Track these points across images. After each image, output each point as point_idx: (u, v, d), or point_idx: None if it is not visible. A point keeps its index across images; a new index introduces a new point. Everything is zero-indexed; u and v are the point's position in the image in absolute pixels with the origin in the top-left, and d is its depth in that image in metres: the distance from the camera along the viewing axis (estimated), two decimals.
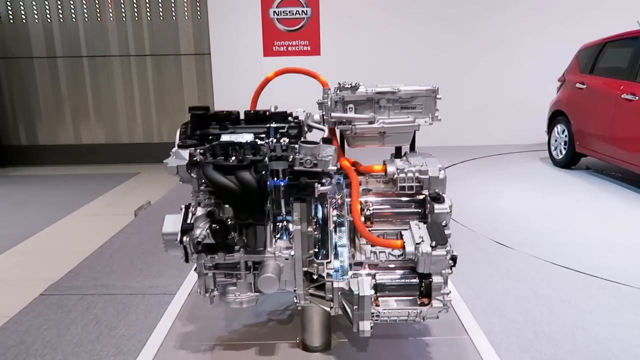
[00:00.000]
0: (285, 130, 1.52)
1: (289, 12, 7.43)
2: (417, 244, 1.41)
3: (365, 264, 1.49)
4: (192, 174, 1.45)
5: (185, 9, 7.79)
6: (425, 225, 1.48)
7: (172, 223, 1.43)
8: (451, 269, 1.42)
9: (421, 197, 1.57)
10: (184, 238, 1.41)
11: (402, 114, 1.61)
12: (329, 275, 1.48)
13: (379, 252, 1.51)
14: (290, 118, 1.57)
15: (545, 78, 7.20)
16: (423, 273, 1.44)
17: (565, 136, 5.78)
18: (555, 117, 6.03)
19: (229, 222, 1.44)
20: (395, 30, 7.40)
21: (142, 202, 4.89)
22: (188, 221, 1.42)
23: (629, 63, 4.82)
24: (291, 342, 1.76)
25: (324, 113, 1.66)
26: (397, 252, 1.50)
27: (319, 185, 1.37)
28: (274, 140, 1.46)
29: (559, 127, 5.95)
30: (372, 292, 1.40)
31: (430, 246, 1.39)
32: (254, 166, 1.36)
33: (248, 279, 1.53)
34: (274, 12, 7.42)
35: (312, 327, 1.68)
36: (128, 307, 2.60)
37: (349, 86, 1.59)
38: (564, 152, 5.82)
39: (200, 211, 1.46)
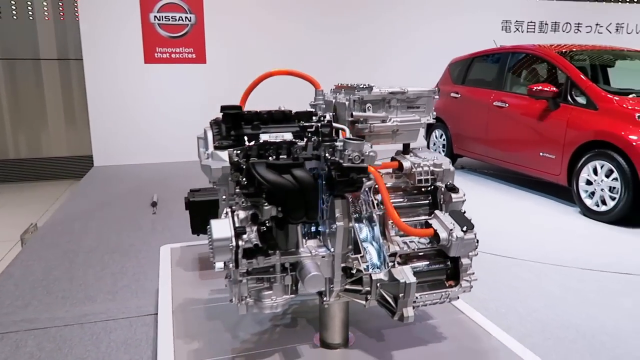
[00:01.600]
0: (316, 129, 1.53)
1: (172, 17, 7.14)
2: (450, 230, 1.54)
3: (399, 253, 1.57)
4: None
5: (45, 9, 7.04)
6: (447, 213, 1.61)
7: (221, 228, 1.34)
8: (476, 251, 1.58)
9: (434, 188, 1.70)
10: (239, 242, 1.34)
11: (408, 113, 1.73)
12: (366, 268, 1.53)
13: (409, 241, 1.60)
14: (314, 117, 1.58)
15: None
16: (453, 257, 1.57)
17: (444, 140, 6.48)
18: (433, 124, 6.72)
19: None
20: (282, 37, 7.55)
21: (17, 225, 4.33)
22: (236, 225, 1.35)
23: (497, 75, 5.61)
24: (310, 343, 1.75)
25: (334, 113, 1.70)
26: (424, 240, 1.60)
27: (366, 180, 1.42)
28: (314, 139, 1.47)
29: (437, 132, 6.65)
30: (416, 279, 1.48)
31: (462, 231, 1.53)
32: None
33: (286, 281, 1.50)
34: (155, 17, 7.07)
35: (334, 324, 1.69)
36: (69, 340, 2.32)
37: (364, 87, 1.66)
38: (442, 154, 6.52)
39: (242, 214, 1.40)
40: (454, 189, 1.66)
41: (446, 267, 1.60)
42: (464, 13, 8.29)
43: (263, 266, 1.46)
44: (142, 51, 7.08)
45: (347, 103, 1.64)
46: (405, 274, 1.50)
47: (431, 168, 1.66)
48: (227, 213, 1.38)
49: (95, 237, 3.87)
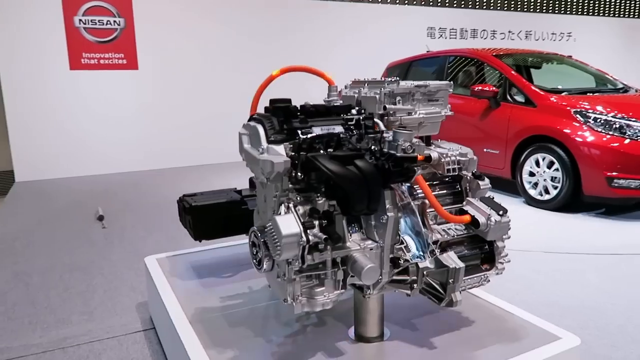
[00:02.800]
0: (357, 121, 1.53)
1: (98, 21, 6.74)
2: (488, 215, 1.60)
3: (440, 241, 1.60)
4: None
5: None
6: (479, 199, 1.68)
7: (289, 223, 1.29)
8: (508, 234, 1.66)
9: (459, 177, 1.75)
10: (309, 237, 1.29)
11: (429, 106, 1.77)
12: (412, 258, 1.54)
13: (448, 229, 1.64)
14: (353, 110, 1.57)
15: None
16: (489, 241, 1.64)
17: None
18: None
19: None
20: (216, 42, 7.39)
21: None
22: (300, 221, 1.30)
23: (436, 78, 5.89)
24: (347, 339, 1.73)
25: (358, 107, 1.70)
26: (459, 226, 1.65)
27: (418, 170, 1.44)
28: (358, 131, 1.46)
29: None
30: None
31: (499, 215, 1.60)
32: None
33: (338, 276, 1.47)
34: (80, 20, 6.63)
35: (372, 318, 1.69)
36: None
37: (392, 80, 1.68)
38: None
39: (300, 210, 1.35)
40: (480, 177, 1.73)
41: (482, 252, 1.66)
42: (392, 20, 8.64)
43: (314, 263, 1.43)
44: (67, 57, 6.61)
45: (377, 97, 1.65)
46: (453, 260, 1.54)
47: (458, 158, 1.72)
48: (287, 208, 1.33)
49: (46, 257, 3.55)
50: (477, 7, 9.93)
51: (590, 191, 4.14)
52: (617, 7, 11.74)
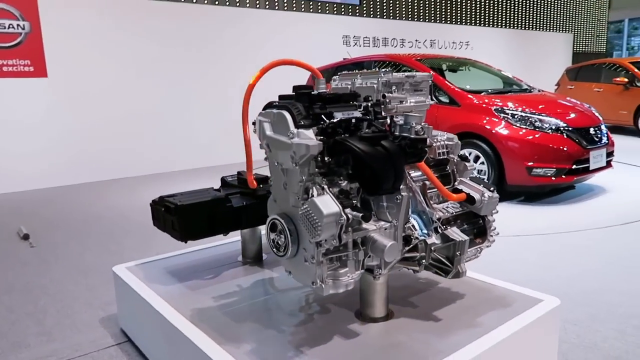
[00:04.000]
0: (366, 107, 1.60)
1: None
2: (482, 192, 1.75)
3: (442, 218, 1.72)
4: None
5: None
6: (469, 179, 1.83)
7: (328, 203, 1.31)
8: (496, 208, 1.82)
9: (446, 160, 1.89)
10: (349, 215, 1.33)
11: (416, 95, 1.90)
12: (421, 235, 1.65)
13: (446, 207, 1.76)
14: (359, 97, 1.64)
15: (268, 99, 8.25)
16: (481, 216, 1.79)
17: None
18: None
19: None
20: (129, 50, 7.07)
21: None
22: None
23: None
24: (356, 321, 1.79)
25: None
26: (454, 204, 1.79)
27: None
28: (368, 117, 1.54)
29: None
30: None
31: (490, 191, 1.76)
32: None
33: (359, 256, 1.53)
34: None
35: (379, 299, 1.76)
36: None
37: (387, 71, 1.78)
38: None
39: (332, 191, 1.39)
40: (466, 159, 1.88)
41: (476, 226, 1.80)
42: (309, 28, 8.86)
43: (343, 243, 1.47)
44: None
45: (375, 86, 1.74)
46: (458, 234, 1.66)
47: (446, 142, 1.86)
48: (322, 189, 1.37)
49: None
50: (386, 17, 10.50)
51: (513, 181, 4.57)
52: (507, 19, 13.06)
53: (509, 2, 13.14)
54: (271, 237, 1.58)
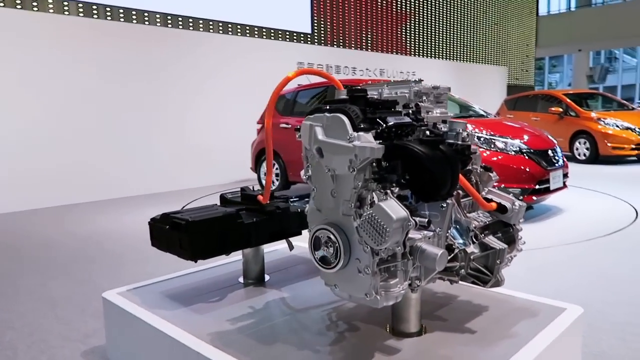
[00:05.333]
0: (408, 114, 1.57)
1: None
2: (513, 201, 1.76)
3: (478, 227, 1.70)
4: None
5: None
6: (497, 189, 1.84)
7: (395, 208, 1.25)
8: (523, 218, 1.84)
9: (469, 170, 1.90)
10: (416, 220, 1.27)
11: (439, 107, 1.91)
12: (461, 244, 1.62)
13: (478, 216, 1.75)
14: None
15: (227, 123, 8.15)
16: (511, 224, 1.80)
17: (277, 169, 6.73)
18: (263, 154, 6.92)
19: None
20: (78, 82, 6.74)
21: None
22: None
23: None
24: (389, 337, 1.71)
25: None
26: (484, 213, 1.78)
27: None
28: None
29: None
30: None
31: (520, 200, 1.77)
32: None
33: (408, 266, 1.47)
34: None
35: (412, 313, 1.70)
36: None
37: (418, 80, 1.78)
38: (277, 182, 6.75)
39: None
40: (489, 169, 1.90)
41: (508, 235, 1.81)
42: (264, 54, 8.87)
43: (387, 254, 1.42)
44: None
45: (407, 95, 1.73)
46: (496, 242, 1.65)
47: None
48: (386, 194, 1.31)
49: None
50: (336, 45, 10.75)
51: None
52: (449, 51, 13.79)
53: (450, 36, 13.91)
54: (315, 250, 1.49)
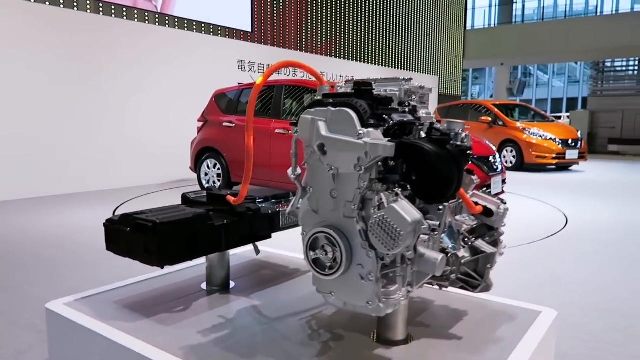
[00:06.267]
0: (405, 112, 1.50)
1: None
2: (498, 204, 1.74)
3: (465, 230, 1.67)
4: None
5: None
6: (481, 192, 1.82)
7: (408, 210, 1.16)
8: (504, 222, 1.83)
9: None
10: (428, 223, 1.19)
11: (422, 107, 1.87)
12: (452, 248, 1.58)
13: (464, 219, 1.72)
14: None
15: (166, 119, 7.78)
16: (495, 228, 1.78)
17: (218, 169, 6.49)
18: (204, 153, 6.65)
19: None
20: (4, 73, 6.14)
21: None
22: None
23: (274, 105, 6.05)
24: (376, 345, 1.64)
25: None
26: (470, 217, 1.76)
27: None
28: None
29: (209, 162, 6.60)
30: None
31: (504, 203, 1.77)
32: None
33: (407, 272, 1.40)
34: None
35: (398, 320, 1.63)
36: None
37: (407, 79, 1.72)
38: (218, 183, 6.51)
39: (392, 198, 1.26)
40: (471, 172, 1.88)
41: (493, 239, 1.79)
42: (205, 49, 8.57)
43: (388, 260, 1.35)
44: None
45: (397, 93, 1.67)
46: (486, 246, 1.63)
47: None
48: (396, 195, 1.23)
49: None
50: (276, 45, 10.62)
51: None
52: (385, 59, 14.10)
53: (387, 43, 14.24)
54: (311, 255, 1.38)
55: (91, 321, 1.79)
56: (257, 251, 2.31)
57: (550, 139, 9.87)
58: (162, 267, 1.78)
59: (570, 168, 10.60)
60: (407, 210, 1.19)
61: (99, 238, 4.12)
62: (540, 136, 9.92)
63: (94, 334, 1.72)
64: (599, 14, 25.95)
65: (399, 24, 14.84)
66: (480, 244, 1.64)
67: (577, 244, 4.30)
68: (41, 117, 6.44)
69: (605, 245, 4.28)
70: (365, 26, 13.36)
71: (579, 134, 10.44)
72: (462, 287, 1.68)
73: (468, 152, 1.46)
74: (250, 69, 9.40)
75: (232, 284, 2.20)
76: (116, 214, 5.43)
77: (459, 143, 1.47)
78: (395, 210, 1.19)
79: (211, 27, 9.25)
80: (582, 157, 10.09)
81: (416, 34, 15.74)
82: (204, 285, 2.17)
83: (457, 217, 1.72)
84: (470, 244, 1.63)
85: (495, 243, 1.82)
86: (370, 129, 1.25)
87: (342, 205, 1.33)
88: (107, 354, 1.69)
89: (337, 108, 1.29)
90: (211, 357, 1.53)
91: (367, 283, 1.30)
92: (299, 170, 1.57)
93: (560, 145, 9.75)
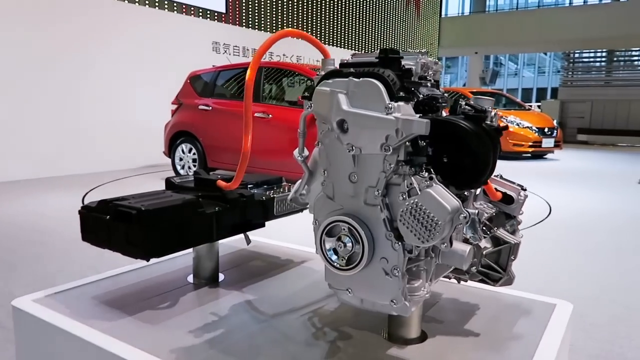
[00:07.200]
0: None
1: None
2: (518, 191, 1.61)
3: (485, 220, 1.53)
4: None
5: None
6: (498, 177, 1.68)
7: (446, 197, 1.00)
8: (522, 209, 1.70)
9: None
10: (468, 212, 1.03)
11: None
12: (473, 238, 1.44)
13: (483, 207, 1.57)
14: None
15: (138, 102, 7.43)
16: (513, 216, 1.65)
17: (194, 154, 6.23)
18: (178, 137, 6.37)
19: None
20: None
21: None
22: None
23: (254, 89, 5.80)
24: (388, 344, 1.49)
25: None
26: (487, 204, 1.62)
27: None
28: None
29: (184, 147, 6.33)
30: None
31: (524, 190, 1.63)
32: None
33: (431, 265, 1.25)
34: None
35: (414, 318, 1.49)
36: None
37: (423, 52, 1.56)
38: (194, 168, 6.25)
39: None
40: None
41: (512, 225, 1.66)
42: (177, 28, 8.22)
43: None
44: None
45: (414, 68, 1.50)
46: (510, 236, 1.50)
47: None
48: (430, 179, 1.07)
49: None
50: (251, 27, 10.31)
51: None
52: (363, 45, 13.94)
53: (364, 29, 14.06)
54: (326, 247, 1.22)
55: (65, 320, 1.58)
56: (248, 241, 2.13)
57: (527, 127, 9.93)
58: (148, 260, 1.58)
59: (545, 156, 10.72)
60: (444, 197, 1.03)
61: (71, 226, 3.84)
62: (517, 124, 9.97)
63: (69, 334, 1.51)
64: (570, 4, 26.33)
65: (374, 9, 14.67)
66: (503, 233, 1.51)
67: (564, 231, 4.27)
68: (8, 98, 6.03)
69: (592, 233, 4.27)
70: (340, 11, 13.14)
71: (554, 122, 10.54)
72: (481, 281, 1.55)
73: (501, 132, 1.31)
74: (225, 51, 9.08)
75: (221, 277, 2.01)
76: (86, 199, 5.14)
77: (492, 124, 1.31)
78: (431, 196, 1.03)
79: (184, 6, 8.88)
80: (557, 145, 10.20)
81: (394, 20, 15.61)
82: (190, 278, 1.98)
83: (477, 205, 1.58)
84: (491, 233, 1.48)
85: (514, 233, 1.69)
86: (401, 103, 1.08)
87: (363, 191, 1.16)
88: (84, 357, 1.49)
89: (362, 78, 1.11)
90: (211, 359, 1.35)
91: (392, 279, 1.15)
92: (306, 152, 1.40)
93: (536, 134, 9.82)
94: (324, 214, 1.23)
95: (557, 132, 10.17)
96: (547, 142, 9.84)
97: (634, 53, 20.90)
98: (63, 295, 1.79)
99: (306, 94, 1.23)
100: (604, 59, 21.90)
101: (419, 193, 1.06)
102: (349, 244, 1.17)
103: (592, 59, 22.05)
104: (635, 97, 18.86)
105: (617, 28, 16.95)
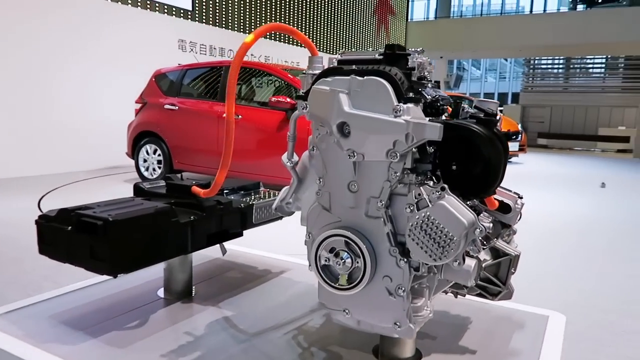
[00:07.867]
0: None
1: None
2: (515, 199, 1.53)
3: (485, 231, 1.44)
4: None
5: None
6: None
7: (461, 210, 0.90)
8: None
9: None
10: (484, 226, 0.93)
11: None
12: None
13: (482, 217, 1.49)
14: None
15: (98, 100, 7.12)
16: (509, 225, 1.57)
17: (159, 155, 5.98)
18: (142, 138, 6.10)
19: None
20: None
21: None
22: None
23: (222, 88, 5.62)
24: None
25: None
26: (485, 215, 1.53)
27: None
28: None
29: (149, 148, 6.06)
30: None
31: (520, 198, 1.55)
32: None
33: (433, 282, 1.14)
34: None
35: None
36: None
37: (419, 50, 1.46)
38: (159, 170, 6.00)
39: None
40: None
41: (509, 235, 1.58)
42: (142, 25, 7.92)
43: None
44: None
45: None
46: (508, 247, 1.41)
47: None
48: (442, 190, 0.96)
49: None
50: (218, 26, 10.08)
51: None
52: (330, 47, 13.88)
53: (331, 32, 14.01)
54: (321, 264, 1.09)
55: (18, 344, 1.40)
56: (224, 251, 1.99)
57: None
58: (115, 277, 1.41)
59: (510, 160, 10.90)
60: (459, 210, 0.93)
61: (24, 234, 3.55)
62: None
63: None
64: (530, 12, 27.11)
65: (342, 11, 14.64)
66: (502, 245, 1.42)
67: (537, 235, 4.29)
68: None
69: (566, 236, 4.30)
70: (308, 13, 13.04)
71: (519, 126, 10.74)
72: (479, 295, 1.46)
73: (509, 137, 1.22)
74: (192, 49, 8.82)
75: (194, 291, 1.86)
76: (42, 202, 4.82)
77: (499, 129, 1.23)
78: (445, 209, 0.92)
79: (148, 2, 8.56)
80: (522, 149, 10.39)
81: (359, 22, 15.63)
82: (161, 292, 1.82)
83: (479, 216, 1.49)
84: (490, 245, 1.40)
85: (509, 243, 1.61)
86: (410, 105, 0.97)
87: (364, 202, 1.05)
88: None
89: (366, 77, 0.99)
90: None
91: (396, 299, 1.04)
92: (296, 158, 1.27)
93: None
94: (319, 226, 1.10)
95: (521, 136, 10.36)
96: (512, 146, 10.01)
97: (588, 61, 21.70)
98: (17, 314, 1.60)
99: (301, 93, 1.11)
100: (562, 66, 22.62)
101: (430, 205, 0.95)
102: (348, 261, 1.05)
103: (550, 66, 22.74)
104: (591, 103, 19.58)
105: (575, 36, 17.52)
